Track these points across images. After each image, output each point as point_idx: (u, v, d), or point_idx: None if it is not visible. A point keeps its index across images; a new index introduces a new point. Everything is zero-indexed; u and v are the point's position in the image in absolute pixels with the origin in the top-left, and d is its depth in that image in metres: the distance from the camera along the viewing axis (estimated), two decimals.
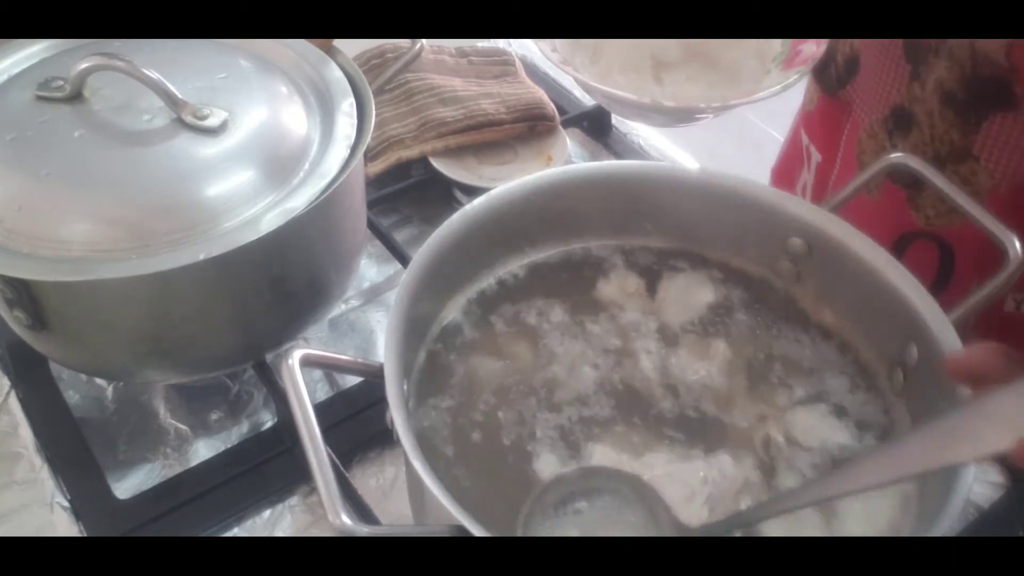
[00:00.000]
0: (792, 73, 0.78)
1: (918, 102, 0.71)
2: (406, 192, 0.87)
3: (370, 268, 0.80)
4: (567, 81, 1.03)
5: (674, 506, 0.48)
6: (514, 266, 0.62)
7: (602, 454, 0.51)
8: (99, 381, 0.70)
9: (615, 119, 0.97)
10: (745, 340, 0.58)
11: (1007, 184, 0.69)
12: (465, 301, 0.60)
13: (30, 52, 0.66)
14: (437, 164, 0.86)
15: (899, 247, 0.75)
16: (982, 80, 0.66)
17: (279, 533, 0.61)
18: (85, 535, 0.60)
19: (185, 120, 0.59)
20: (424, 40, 0.76)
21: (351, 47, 0.71)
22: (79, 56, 0.59)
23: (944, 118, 0.70)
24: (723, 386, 0.56)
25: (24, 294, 0.56)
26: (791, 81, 0.77)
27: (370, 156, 0.86)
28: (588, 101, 0.99)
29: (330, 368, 0.67)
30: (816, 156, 0.86)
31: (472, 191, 0.83)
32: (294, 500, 0.63)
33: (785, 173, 0.95)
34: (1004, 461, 0.65)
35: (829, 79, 0.82)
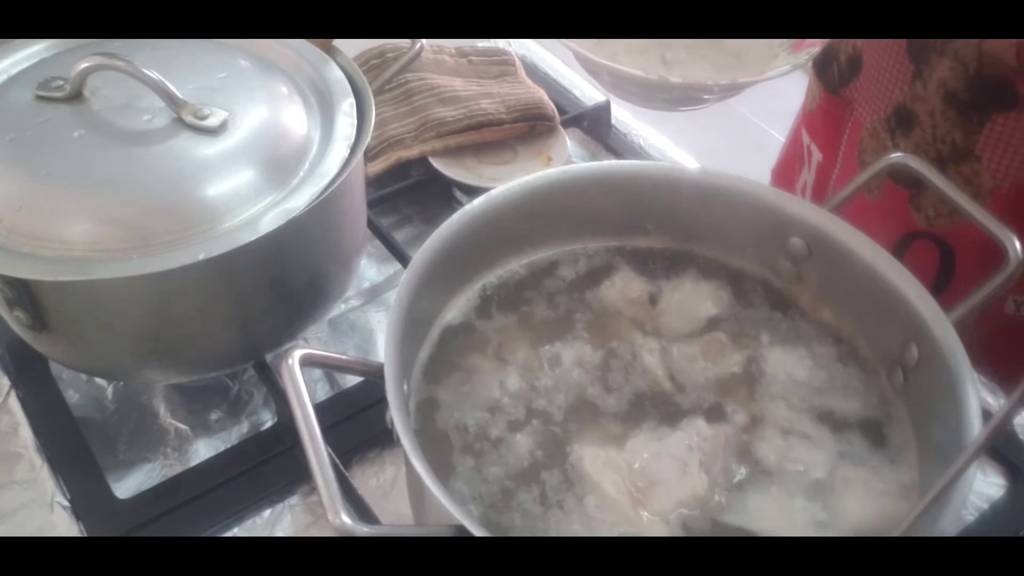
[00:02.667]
0: (802, 55, 0.75)
1: (920, 101, 0.71)
2: (406, 192, 0.87)
3: (370, 268, 0.80)
4: (567, 81, 1.03)
5: (674, 483, 0.49)
6: (514, 266, 0.62)
7: (585, 451, 0.52)
8: (99, 381, 0.70)
9: (615, 119, 0.97)
10: (742, 340, 0.58)
11: (1009, 184, 0.69)
12: (465, 301, 0.60)
13: (30, 52, 0.66)
14: (437, 164, 0.86)
15: (900, 248, 0.75)
16: (985, 80, 0.66)
17: (279, 533, 0.61)
18: (85, 535, 0.60)
19: (185, 120, 0.59)
20: (424, 40, 0.76)
21: (351, 47, 0.70)
22: (79, 56, 0.59)
23: (946, 118, 0.70)
24: (717, 379, 0.56)
25: (24, 294, 0.56)
26: (802, 61, 0.74)
27: (370, 156, 0.86)
28: (588, 101, 0.99)
29: (330, 368, 0.67)
30: (817, 155, 0.86)
31: (472, 191, 0.83)
32: (294, 500, 0.63)
33: (785, 173, 0.95)
34: (1004, 461, 0.65)
35: (831, 78, 0.82)
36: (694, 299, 0.61)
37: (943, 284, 0.74)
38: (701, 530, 0.49)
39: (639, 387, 0.56)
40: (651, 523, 0.49)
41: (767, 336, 0.59)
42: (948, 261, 0.74)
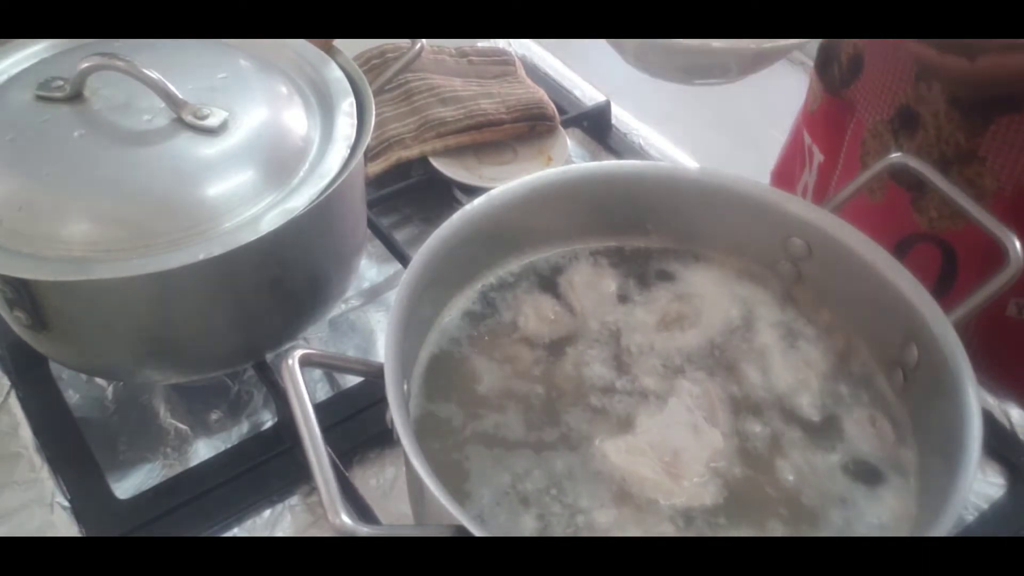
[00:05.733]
0: None
1: (924, 103, 0.71)
2: (406, 192, 0.87)
3: (370, 268, 0.80)
4: (567, 81, 1.03)
5: (694, 446, 0.51)
6: (514, 266, 0.62)
7: (606, 445, 0.52)
8: (99, 381, 0.70)
9: (615, 119, 0.97)
10: (742, 339, 0.58)
11: (1012, 187, 0.69)
12: (465, 301, 0.60)
13: (30, 52, 0.66)
14: (437, 164, 0.86)
15: (901, 249, 0.75)
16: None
17: (279, 533, 0.61)
18: (85, 535, 0.60)
19: (185, 120, 0.59)
20: (424, 40, 0.76)
21: (351, 47, 0.71)
22: (79, 56, 0.59)
23: (950, 119, 0.69)
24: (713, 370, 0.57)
25: (24, 294, 0.56)
26: None
27: (370, 156, 0.86)
28: (588, 101, 0.99)
29: (330, 368, 0.67)
30: (818, 156, 0.86)
31: (472, 191, 0.83)
32: (294, 500, 0.63)
33: (785, 174, 0.95)
34: (1004, 461, 0.65)
35: (832, 78, 0.82)
36: (691, 299, 0.61)
37: (946, 287, 0.74)
38: (740, 477, 0.51)
39: (636, 374, 0.56)
40: (694, 488, 0.50)
41: (765, 337, 0.59)
42: (951, 264, 0.74)
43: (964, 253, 0.73)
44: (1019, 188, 0.69)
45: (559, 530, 0.48)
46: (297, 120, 0.63)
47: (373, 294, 0.79)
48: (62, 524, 0.60)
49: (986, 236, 0.53)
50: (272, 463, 0.64)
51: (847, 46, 0.79)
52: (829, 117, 0.84)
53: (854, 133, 0.79)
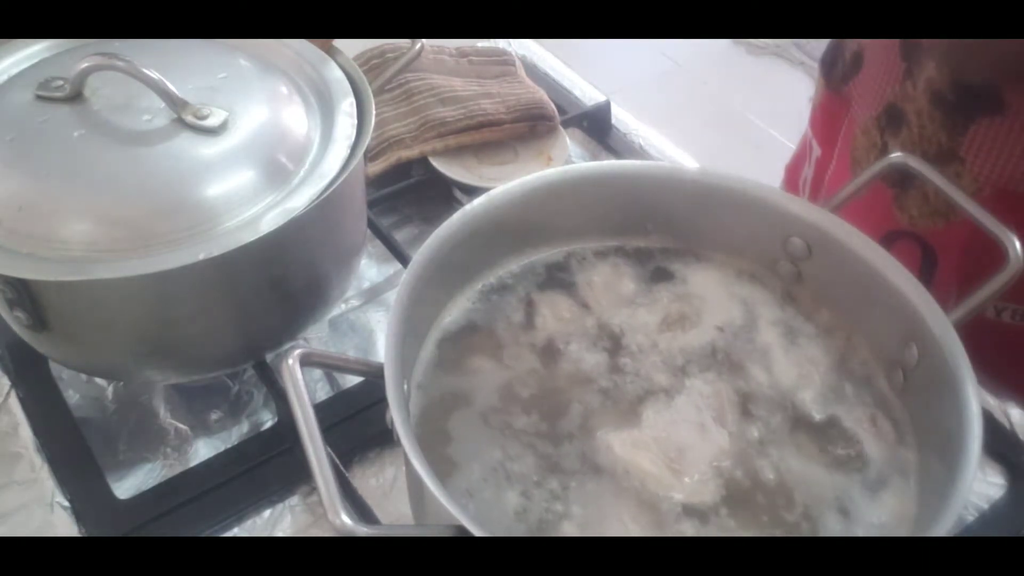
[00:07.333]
0: None
1: (909, 101, 0.71)
2: (406, 192, 0.87)
3: (370, 268, 0.80)
4: (567, 81, 1.03)
5: (699, 444, 0.52)
6: (514, 266, 0.62)
7: (611, 437, 0.52)
8: (99, 381, 0.70)
9: (615, 119, 0.97)
10: (746, 339, 0.58)
11: (990, 188, 0.69)
12: (465, 301, 0.60)
13: (30, 52, 0.66)
14: (437, 164, 0.86)
15: (883, 246, 0.75)
16: (971, 83, 0.66)
17: (279, 533, 0.61)
18: (85, 535, 0.60)
19: (185, 120, 0.59)
20: (424, 40, 0.76)
21: (351, 47, 0.71)
22: (79, 56, 0.59)
23: (933, 119, 0.70)
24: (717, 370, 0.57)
25: (24, 294, 0.56)
26: None
27: (370, 156, 0.86)
28: (588, 101, 0.99)
29: (330, 368, 0.68)
30: (816, 151, 0.86)
31: (472, 191, 0.83)
32: (294, 500, 0.63)
33: (794, 169, 0.96)
34: (1004, 461, 0.65)
35: (836, 75, 0.82)
36: (695, 301, 0.61)
37: (924, 284, 0.74)
38: (742, 477, 0.51)
39: (631, 377, 0.56)
40: (697, 484, 0.50)
41: (767, 336, 0.59)
42: (930, 261, 0.74)
43: (942, 252, 0.73)
44: (996, 189, 0.69)
45: (551, 517, 0.49)
46: (297, 120, 0.63)
47: (373, 294, 0.79)
48: (62, 524, 0.60)
49: (964, 236, 0.53)
50: (272, 463, 0.64)
51: (852, 43, 0.79)
52: (827, 112, 0.84)
53: (847, 129, 0.80)
